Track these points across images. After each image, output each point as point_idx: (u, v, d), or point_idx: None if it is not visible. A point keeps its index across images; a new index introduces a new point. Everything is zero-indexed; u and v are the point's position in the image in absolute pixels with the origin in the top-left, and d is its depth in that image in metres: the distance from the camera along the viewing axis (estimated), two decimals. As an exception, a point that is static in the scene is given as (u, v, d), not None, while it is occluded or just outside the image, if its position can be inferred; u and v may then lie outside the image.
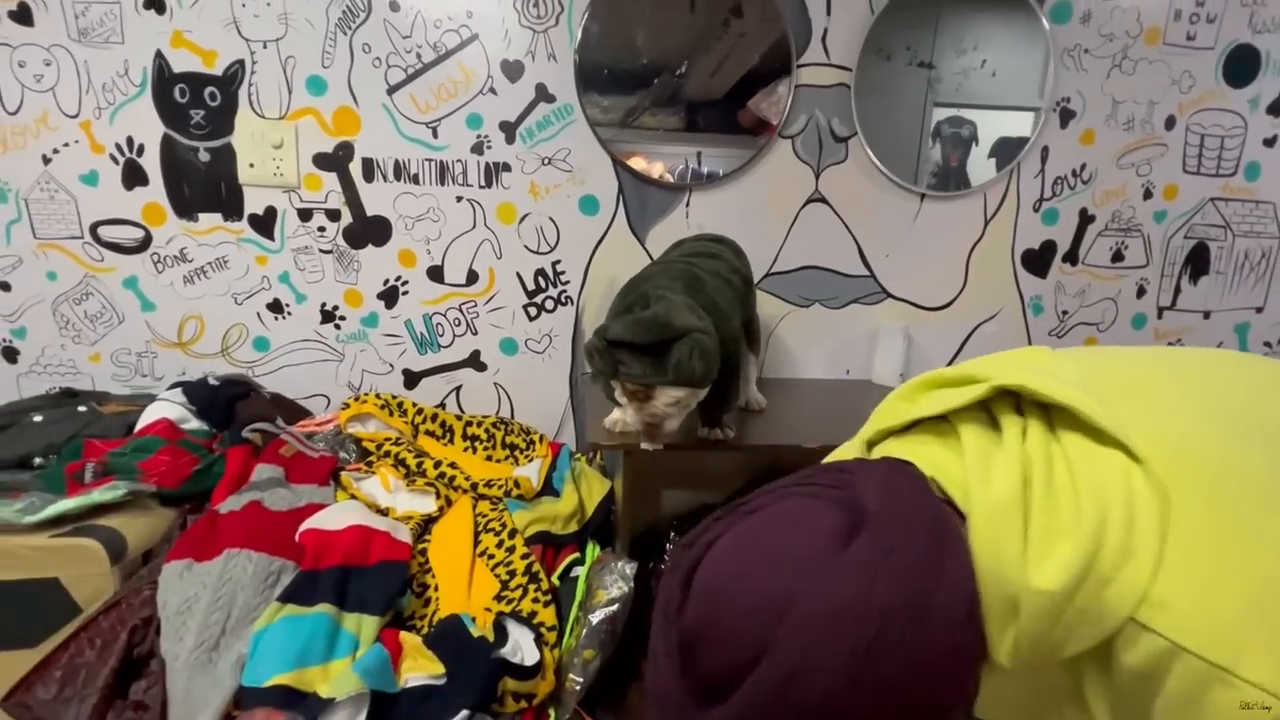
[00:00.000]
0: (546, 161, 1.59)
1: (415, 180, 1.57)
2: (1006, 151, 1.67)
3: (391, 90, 1.52)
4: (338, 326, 1.63)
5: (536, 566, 1.20)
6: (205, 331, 1.60)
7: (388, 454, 1.42)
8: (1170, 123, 1.73)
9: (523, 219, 1.61)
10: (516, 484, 1.38)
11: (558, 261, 1.65)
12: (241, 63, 1.48)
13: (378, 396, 1.53)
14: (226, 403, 1.44)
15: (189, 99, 1.48)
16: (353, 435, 1.46)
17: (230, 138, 1.50)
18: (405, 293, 1.63)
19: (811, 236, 1.69)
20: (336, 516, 1.16)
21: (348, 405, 1.48)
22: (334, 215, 1.57)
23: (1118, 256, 1.80)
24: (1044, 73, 1.64)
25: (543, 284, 1.66)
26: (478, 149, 1.57)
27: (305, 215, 1.56)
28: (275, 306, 1.60)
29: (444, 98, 1.54)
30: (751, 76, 1.57)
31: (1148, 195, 1.77)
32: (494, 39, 1.52)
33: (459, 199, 1.59)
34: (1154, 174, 1.75)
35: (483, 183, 1.59)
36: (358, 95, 1.51)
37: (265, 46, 1.47)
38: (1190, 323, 1.86)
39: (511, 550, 1.23)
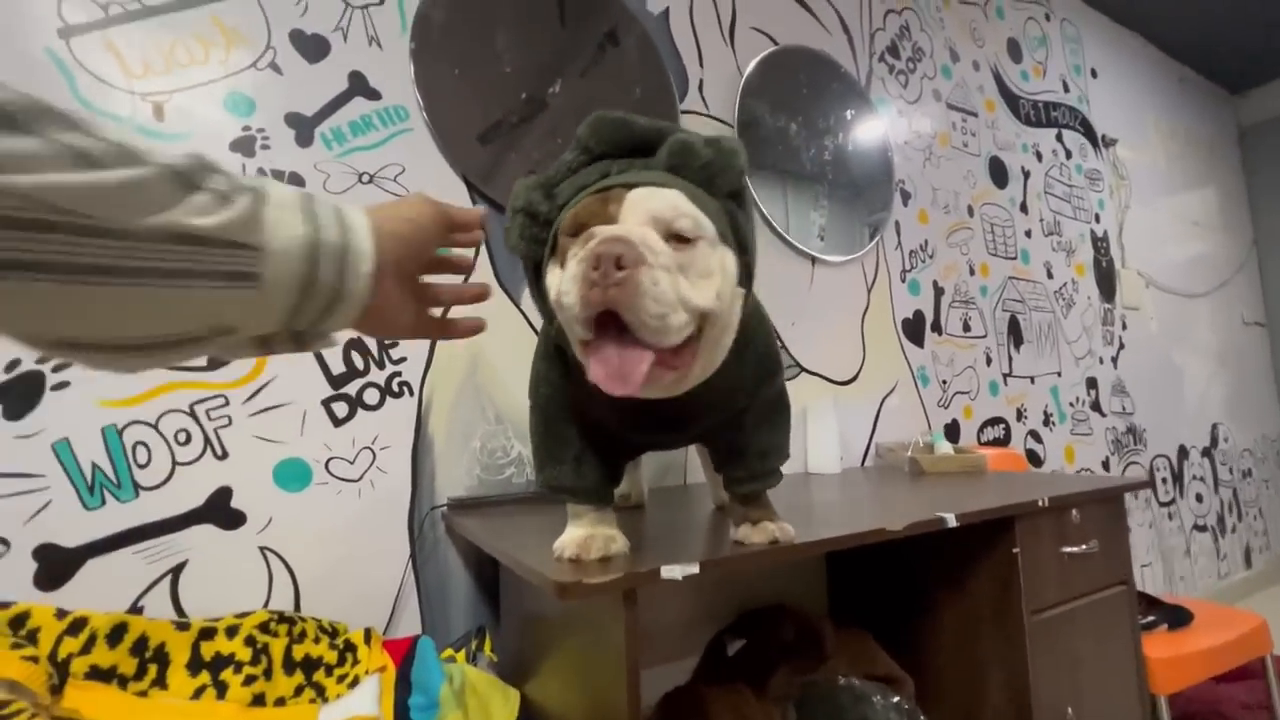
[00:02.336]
0: (366, 179, 1.05)
1: (108, 183, 0.87)
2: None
3: (70, 32, 0.87)
4: None
5: None
6: None
7: (-38, 754, 0.54)
8: (970, 211, 1.94)
9: (324, 260, 1.00)
10: (347, 740, 0.63)
11: (386, 328, 1.03)
12: None
13: (-48, 610, 0.64)
14: None
15: None
16: None
17: None
18: (61, 384, 0.82)
19: (717, 300, 1.39)
20: None
21: None
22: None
23: (966, 327, 1.87)
24: (886, 154, 1.72)
25: (359, 364, 1.01)
26: (244, 147, 0.96)
27: None
28: None
29: (183, 61, 0.93)
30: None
31: (972, 272, 1.91)
32: (281, -1, 1.01)
33: (202, 220, 0.92)
34: (971, 254, 1.92)
35: (251, 199, 0.95)
36: (-12, 26, 0.82)
37: None
38: (1024, 388, 1.99)
39: None
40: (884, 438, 1.61)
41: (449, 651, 0.89)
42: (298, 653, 0.80)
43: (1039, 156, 2.20)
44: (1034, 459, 1.96)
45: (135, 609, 0.82)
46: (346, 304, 0.36)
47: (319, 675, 0.79)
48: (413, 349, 1.05)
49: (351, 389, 1.00)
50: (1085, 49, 2.48)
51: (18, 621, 0.67)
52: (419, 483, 1.03)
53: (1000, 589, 0.91)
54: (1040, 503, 0.90)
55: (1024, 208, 2.11)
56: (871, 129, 1.71)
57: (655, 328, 0.45)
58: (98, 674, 0.68)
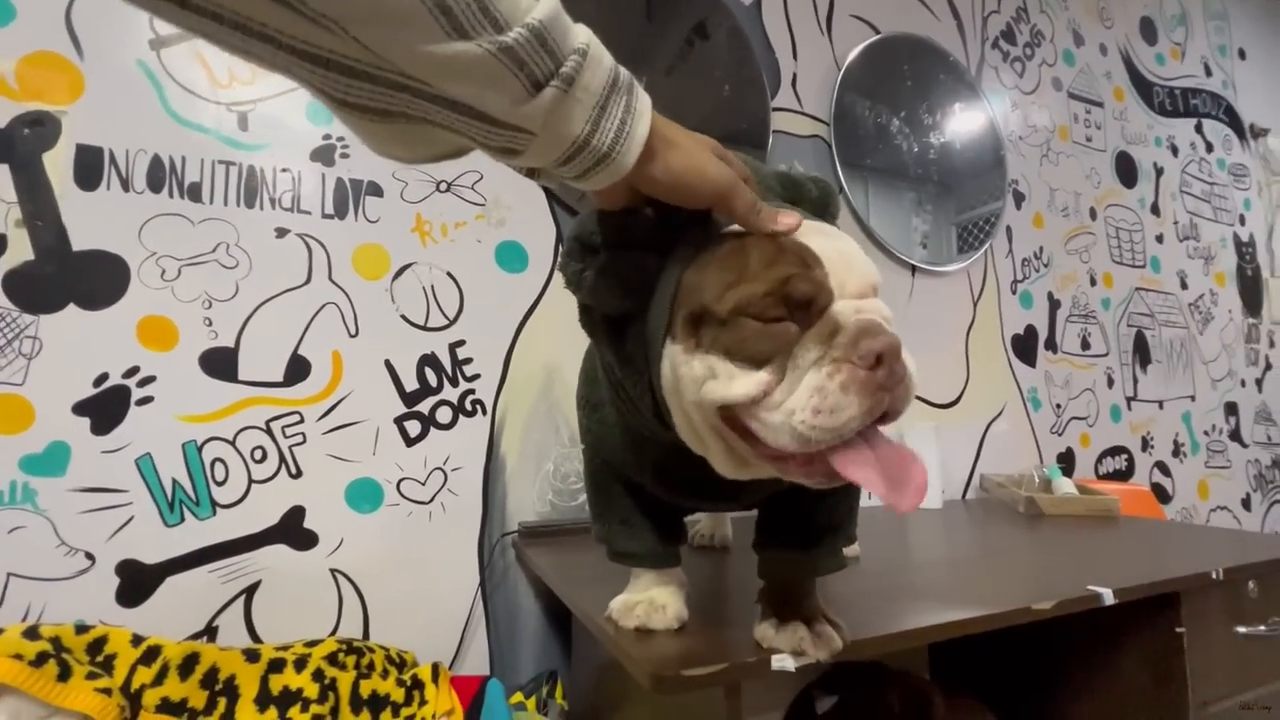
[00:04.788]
0: (444, 187, 1.00)
1: (193, 195, 0.86)
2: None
3: (161, 43, 0.86)
4: (-46, 480, 0.73)
5: None
6: None
7: (33, 797, 0.52)
8: (1093, 213, 1.73)
9: (400, 272, 0.96)
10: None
11: (460, 343, 0.99)
12: None
13: (30, 635, 0.63)
14: None
15: None
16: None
17: None
18: (145, 399, 0.81)
19: (806, 314, 1.28)
20: None
21: (-74, 671, 0.57)
22: (-12, 245, 0.77)
23: (1085, 344, 1.66)
24: (998, 151, 1.55)
25: (433, 381, 0.97)
26: (324, 156, 0.93)
27: (-92, 240, 0.74)
28: None
29: (264, 70, 0.91)
30: (723, 111, 1.21)
31: (1093, 282, 1.70)
32: (363, 2, 0.97)
33: (282, 233, 0.90)
34: (1094, 261, 1.71)
35: (329, 209, 0.93)
36: (83, 39, 0.82)
37: (-128, -78, 0.75)
38: (1151, 414, 1.76)
39: None
40: (989, 467, 1.45)
41: (519, 696, 0.83)
42: (364, 689, 0.76)
43: (1174, 150, 1.94)
44: (1161, 494, 1.73)
45: (210, 629, 0.81)
46: (584, 184, 0.35)
47: (385, 716, 0.75)
48: (487, 366, 1.00)
49: (424, 407, 0.96)
50: (1232, 27, 2.17)
51: (96, 646, 0.66)
52: (490, 507, 0.98)
53: (1158, 672, 0.77)
54: (1214, 575, 0.75)
55: (1155, 209, 1.86)
56: (982, 123, 1.54)
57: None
58: (169, 707, 0.66)
